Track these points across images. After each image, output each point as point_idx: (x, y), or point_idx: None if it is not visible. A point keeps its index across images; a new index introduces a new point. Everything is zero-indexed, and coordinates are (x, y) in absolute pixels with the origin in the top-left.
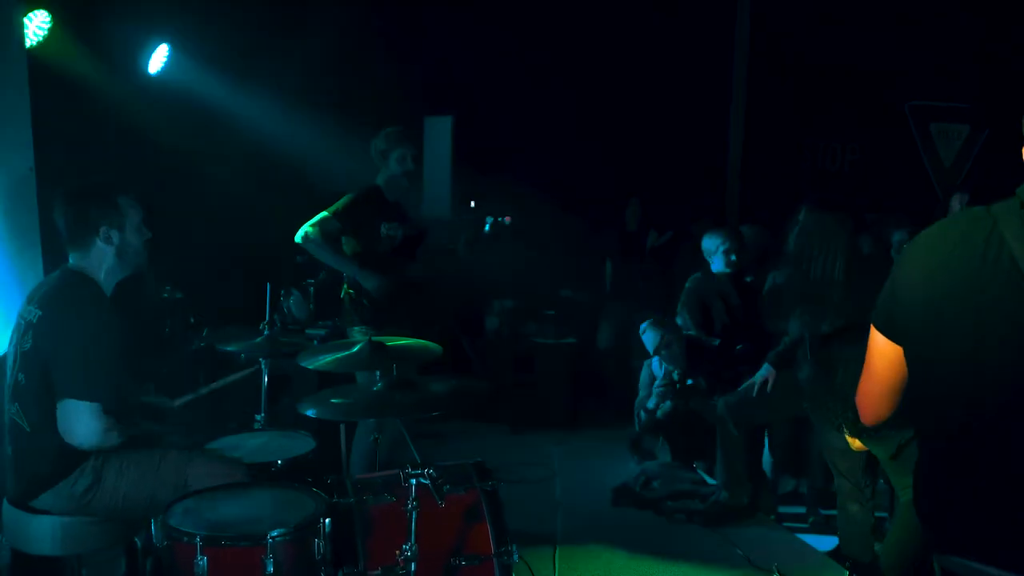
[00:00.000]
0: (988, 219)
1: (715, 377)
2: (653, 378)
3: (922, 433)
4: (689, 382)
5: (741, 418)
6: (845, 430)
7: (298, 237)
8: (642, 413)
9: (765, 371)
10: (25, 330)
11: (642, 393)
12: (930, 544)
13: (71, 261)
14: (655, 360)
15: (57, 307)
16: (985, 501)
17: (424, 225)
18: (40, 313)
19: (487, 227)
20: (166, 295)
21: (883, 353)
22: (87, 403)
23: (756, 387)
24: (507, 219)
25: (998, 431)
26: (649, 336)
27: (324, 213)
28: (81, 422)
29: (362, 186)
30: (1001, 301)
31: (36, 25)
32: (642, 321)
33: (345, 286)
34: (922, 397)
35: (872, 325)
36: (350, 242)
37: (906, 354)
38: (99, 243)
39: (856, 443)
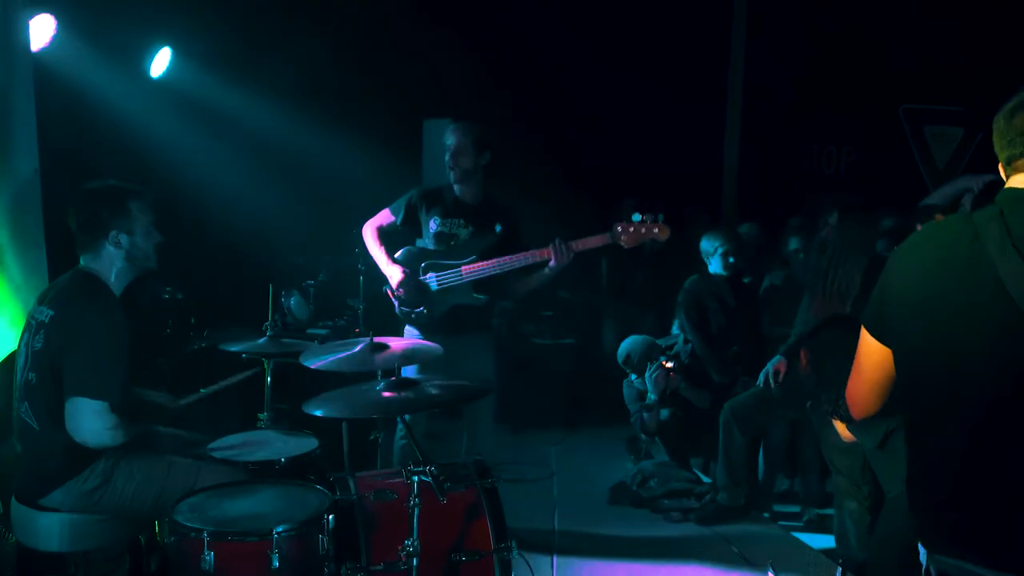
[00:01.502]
0: (970, 226)
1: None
2: (639, 392)
3: (912, 434)
4: (671, 364)
5: (747, 423)
6: (835, 418)
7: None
8: (644, 415)
9: (776, 361)
10: (36, 330)
11: (633, 408)
12: (923, 543)
13: (82, 263)
14: (633, 377)
15: (68, 308)
16: (972, 501)
17: None
18: (52, 313)
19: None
20: (167, 296)
21: (871, 353)
22: (95, 401)
23: (769, 376)
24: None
25: (981, 435)
26: (630, 354)
27: (386, 208)
28: (88, 420)
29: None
30: (981, 307)
31: (41, 29)
32: (640, 322)
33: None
34: (911, 398)
35: (863, 328)
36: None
37: (895, 356)
38: (109, 246)
39: (844, 431)
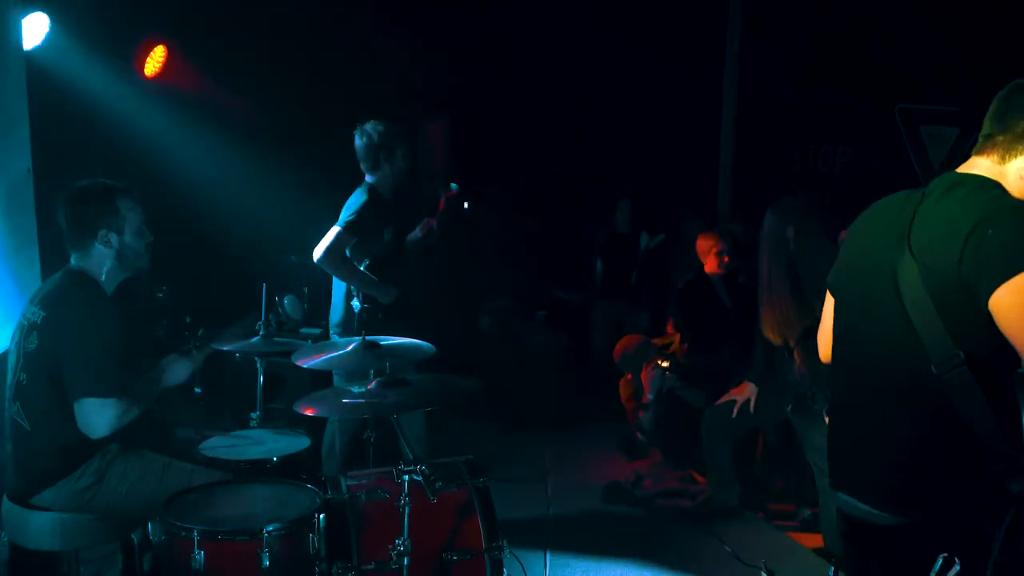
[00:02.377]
0: (900, 200)
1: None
2: (635, 390)
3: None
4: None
5: (728, 430)
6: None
7: (317, 258)
8: (641, 414)
9: (748, 391)
10: (29, 331)
11: (631, 406)
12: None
13: (73, 262)
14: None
15: (61, 307)
16: (846, 442)
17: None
18: (44, 314)
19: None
20: (161, 295)
21: (828, 305)
22: (100, 399)
23: (738, 407)
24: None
25: (867, 390)
26: (625, 353)
27: (338, 228)
28: (101, 417)
29: (361, 190)
30: (876, 275)
31: (34, 28)
32: (634, 322)
33: (357, 300)
34: (833, 364)
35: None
36: (354, 249)
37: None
38: (98, 245)
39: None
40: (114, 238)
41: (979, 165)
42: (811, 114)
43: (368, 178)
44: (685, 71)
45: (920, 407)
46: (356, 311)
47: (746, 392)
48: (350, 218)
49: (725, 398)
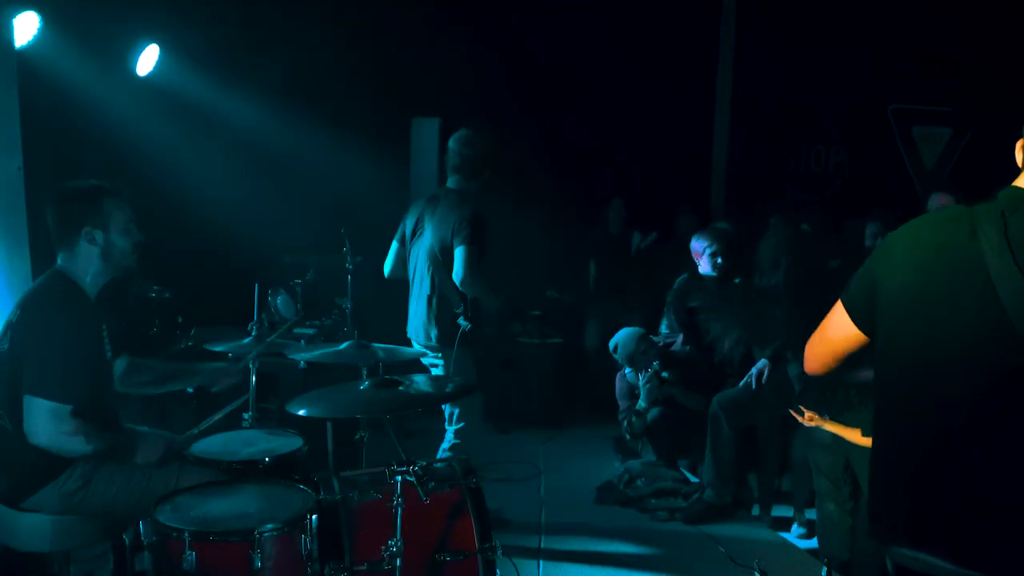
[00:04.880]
0: (968, 222)
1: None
2: (631, 387)
3: (880, 424)
4: (665, 374)
5: (735, 417)
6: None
7: (468, 284)
8: (633, 419)
9: (761, 364)
10: (4, 331)
11: (623, 404)
12: (879, 536)
13: (59, 262)
14: (627, 370)
15: (34, 308)
16: (930, 495)
17: None
18: (19, 314)
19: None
20: (153, 294)
21: (841, 326)
22: (50, 403)
23: (753, 379)
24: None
25: (950, 433)
26: (623, 346)
27: (474, 247)
28: (42, 421)
29: (458, 199)
30: (970, 307)
31: (25, 26)
32: (627, 322)
33: (463, 319)
34: (885, 386)
35: (840, 302)
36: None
37: (876, 346)
38: (83, 243)
39: (834, 427)
40: (99, 235)
41: None
42: (803, 114)
43: (462, 185)
44: (678, 70)
45: None
46: (464, 328)
47: (760, 366)
48: (475, 232)
49: None
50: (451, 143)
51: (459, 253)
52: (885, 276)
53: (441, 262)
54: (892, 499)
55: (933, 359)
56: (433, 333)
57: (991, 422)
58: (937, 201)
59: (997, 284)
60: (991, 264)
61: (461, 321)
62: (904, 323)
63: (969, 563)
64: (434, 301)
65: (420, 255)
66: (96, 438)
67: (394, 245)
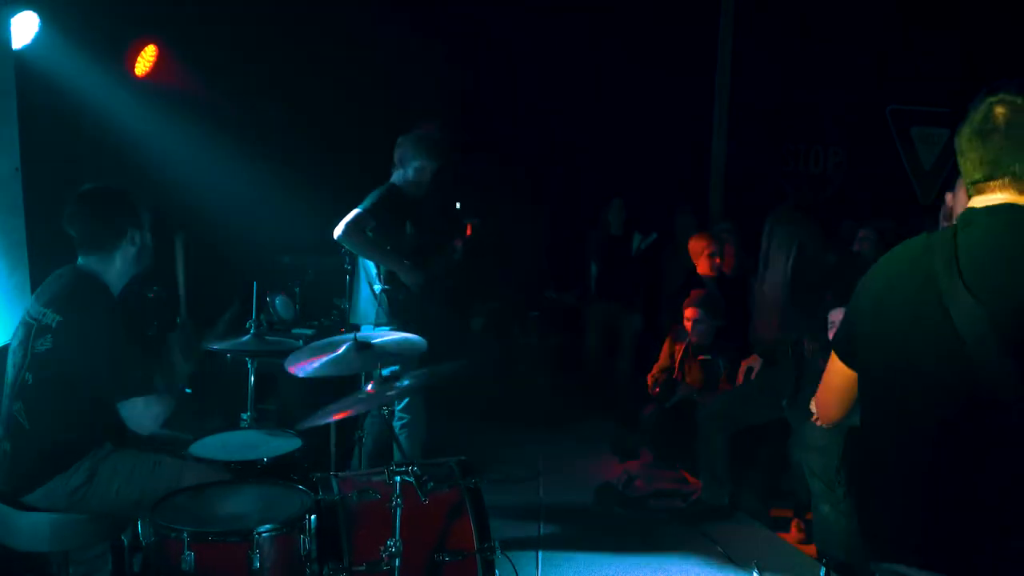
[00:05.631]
0: (926, 246)
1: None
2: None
3: (864, 442)
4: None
5: (725, 421)
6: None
7: (337, 234)
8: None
9: (755, 361)
10: (40, 332)
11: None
12: (867, 549)
13: (83, 263)
14: None
15: (81, 314)
16: (909, 511)
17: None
18: (60, 318)
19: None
20: (152, 295)
21: (835, 370)
22: (147, 397)
23: (741, 372)
24: None
25: (925, 449)
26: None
27: (358, 210)
28: (150, 413)
29: (383, 184)
30: (929, 329)
31: (23, 26)
32: (627, 323)
33: (378, 283)
34: (864, 415)
35: (833, 350)
36: (375, 233)
37: (859, 378)
38: (125, 245)
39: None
40: (138, 237)
41: (995, 199)
42: (802, 115)
43: (392, 174)
44: (677, 70)
45: (1006, 462)
46: (377, 294)
47: (752, 361)
48: (369, 201)
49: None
50: None
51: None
52: (860, 317)
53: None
54: (867, 514)
55: (902, 383)
56: (360, 310)
57: (953, 440)
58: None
59: (949, 305)
60: (943, 286)
61: (376, 288)
62: (873, 349)
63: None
64: (364, 284)
65: None
66: (172, 393)
67: None
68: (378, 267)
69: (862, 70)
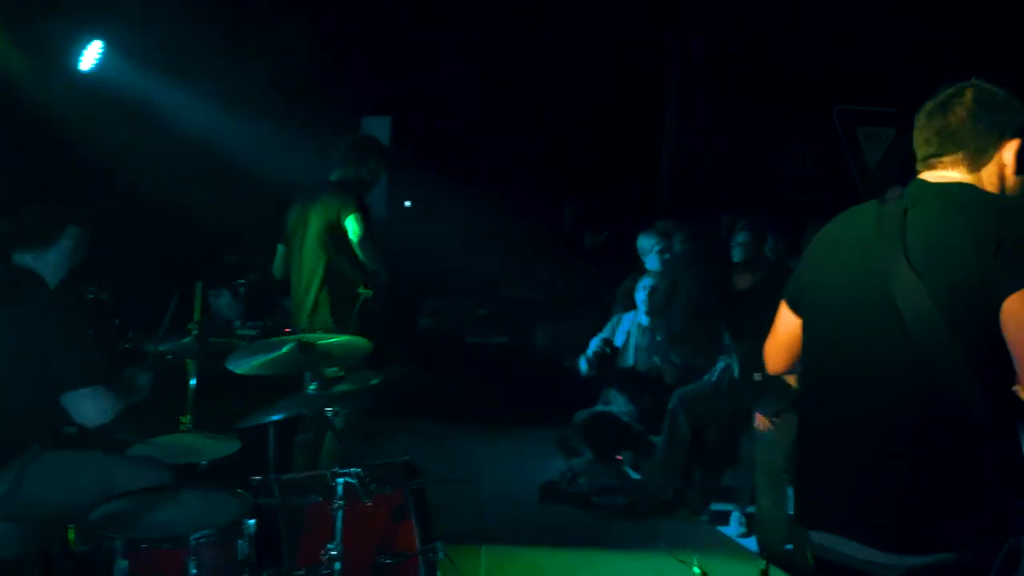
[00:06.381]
0: (876, 213)
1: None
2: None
3: (800, 407)
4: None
5: (693, 413)
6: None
7: (365, 243)
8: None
9: (730, 362)
10: None
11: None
12: (798, 520)
13: (17, 260)
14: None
15: (16, 308)
16: (828, 474)
17: None
18: None
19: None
20: (91, 295)
21: (784, 319)
22: (94, 387)
23: (718, 373)
24: None
25: (852, 414)
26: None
27: (361, 212)
28: (91, 406)
29: (355, 188)
30: (866, 294)
31: None
32: (577, 322)
33: (362, 287)
34: (804, 371)
35: (783, 299)
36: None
37: (803, 325)
38: (63, 241)
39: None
40: (78, 232)
41: (947, 176)
42: (751, 114)
43: (340, 175)
44: (631, 72)
45: (934, 434)
46: (365, 296)
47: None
48: (357, 204)
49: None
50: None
51: (351, 220)
52: (807, 267)
53: (331, 245)
54: (802, 484)
55: (836, 345)
56: (329, 319)
57: (885, 412)
58: (894, 195)
59: (889, 277)
60: (885, 256)
61: (361, 290)
62: (815, 308)
63: (859, 539)
64: (327, 287)
65: (308, 247)
66: (120, 394)
67: (280, 247)
68: (364, 269)
69: (811, 69)
